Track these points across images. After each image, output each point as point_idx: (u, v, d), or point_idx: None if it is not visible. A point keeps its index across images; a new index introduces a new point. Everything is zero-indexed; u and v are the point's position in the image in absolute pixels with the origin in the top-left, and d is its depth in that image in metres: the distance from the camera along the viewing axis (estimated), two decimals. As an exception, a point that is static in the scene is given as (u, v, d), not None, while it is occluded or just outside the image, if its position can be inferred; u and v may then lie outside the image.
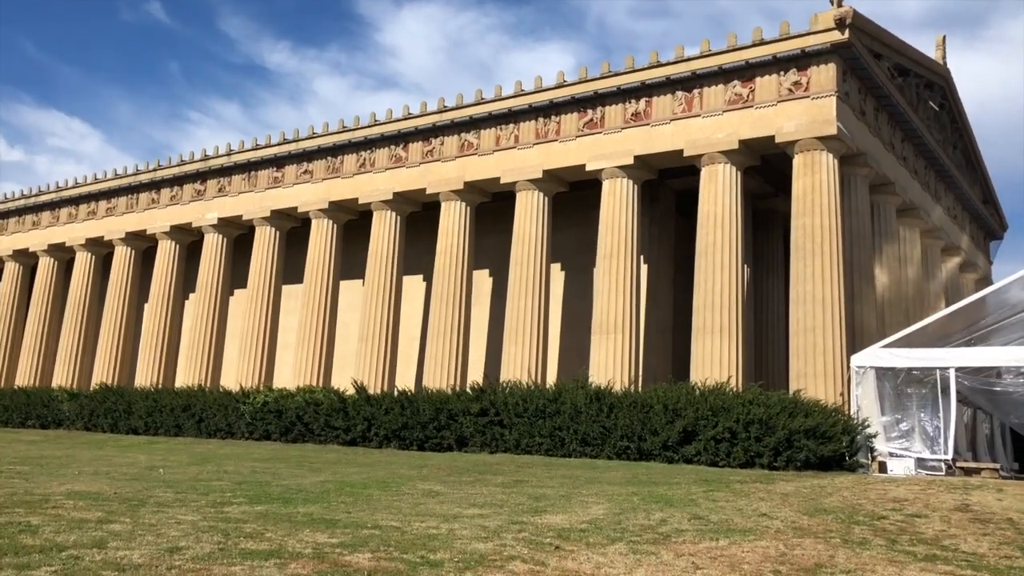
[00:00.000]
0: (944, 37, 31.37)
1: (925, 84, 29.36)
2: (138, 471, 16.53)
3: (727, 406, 17.48)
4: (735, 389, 19.86)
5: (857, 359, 21.49)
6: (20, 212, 45.11)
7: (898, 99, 26.55)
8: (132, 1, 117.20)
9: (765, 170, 28.50)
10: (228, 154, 36.12)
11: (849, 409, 20.00)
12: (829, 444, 17.15)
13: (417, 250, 34.05)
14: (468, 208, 30.22)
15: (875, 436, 18.50)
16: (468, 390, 21.58)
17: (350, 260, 34.59)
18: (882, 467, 18.69)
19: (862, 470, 17.93)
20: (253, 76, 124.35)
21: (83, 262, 41.82)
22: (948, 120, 32.16)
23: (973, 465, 19.38)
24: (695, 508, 11.63)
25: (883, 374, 20.92)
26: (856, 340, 23.64)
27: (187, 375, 35.12)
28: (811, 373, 22.28)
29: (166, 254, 38.25)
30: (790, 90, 23.89)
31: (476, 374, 31.26)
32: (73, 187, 42.31)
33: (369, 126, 31.99)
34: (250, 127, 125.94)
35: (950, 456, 18.11)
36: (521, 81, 28.85)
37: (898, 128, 28.28)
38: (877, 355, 21.16)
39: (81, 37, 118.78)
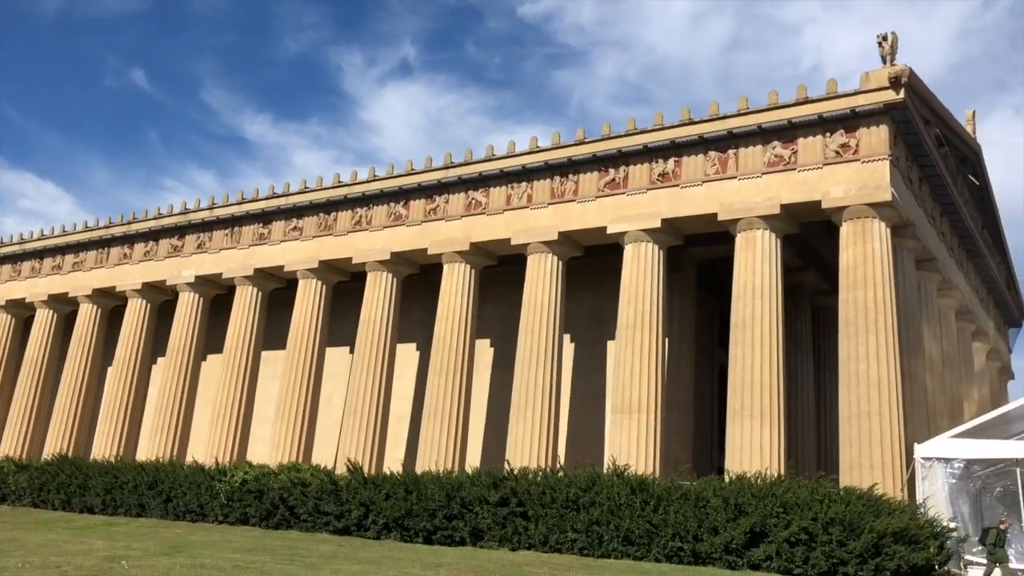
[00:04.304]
0: (975, 112, 29.95)
1: (960, 159, 27.81)
2: (96, 563, 13.71)
3: (801, 502, 14.91)
4: (783, 478, 17.31)
5: (922, 450, 19.15)
6: (-21, 265, 41.95)
7: (943, 170, 24.84)
8: (117, 68, 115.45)
9: (794, 241, 26.53)
10: (210, 207, 33.53)
11: (918, 507, 17.58)
12: (920, 551, 14.60)
13: (410, 318, 31.53)
14: (473, 271, 27.84)
15: (964, 541, 16.04)
16: (485, 475, 18.70)
17: (335, 325, 31.86)
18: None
19: (958, 582, 15.42)
20: (233, 147, 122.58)
21: (43, 320, 38.64)
22: (978, 199, 30.59)
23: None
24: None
25: (954, 468, 18.63)
26: (911, 428, 21.31)
27: (151, 446, 31.87)
28: (867, 464, 19.82)
29: (136, 313, 35.27)
30: (837, 152, 22.00)
31: (474, 453, 28.49)
32: (38, 239, 39.33)
33: (367, 181, 29.64)
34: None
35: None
36: (536, 137, 26.86)
37: (938, 202, 26.54)
38: (946, 446, 18.90)
39: (63, 103, 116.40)
